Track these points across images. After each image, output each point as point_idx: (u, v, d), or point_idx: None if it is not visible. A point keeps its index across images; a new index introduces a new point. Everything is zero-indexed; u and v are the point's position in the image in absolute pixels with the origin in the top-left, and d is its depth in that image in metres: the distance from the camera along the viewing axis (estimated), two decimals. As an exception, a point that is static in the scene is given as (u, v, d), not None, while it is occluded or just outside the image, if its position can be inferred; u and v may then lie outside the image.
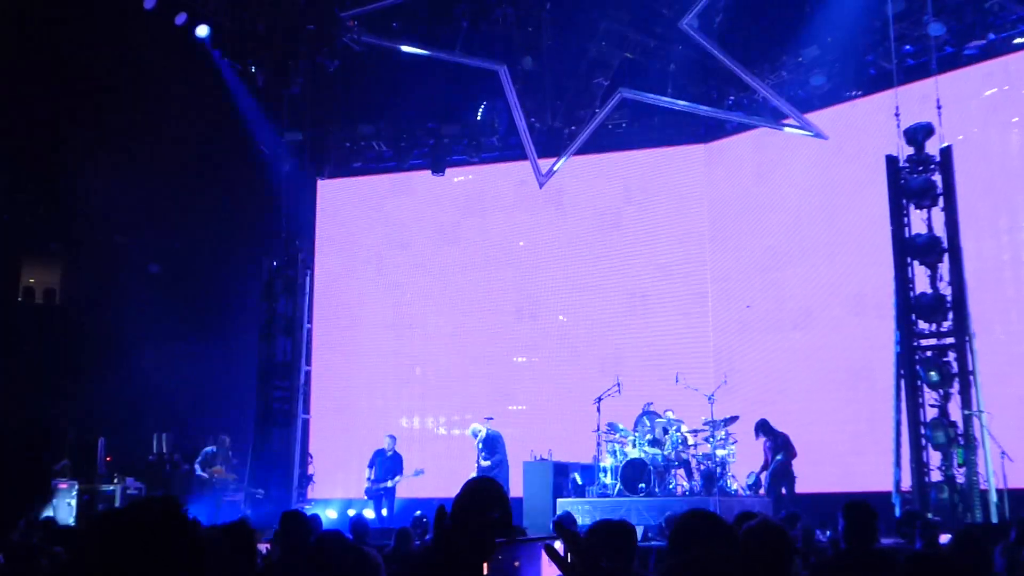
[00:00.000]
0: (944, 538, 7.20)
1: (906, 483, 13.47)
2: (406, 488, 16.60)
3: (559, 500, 14.73)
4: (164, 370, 19.36)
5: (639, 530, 11.88)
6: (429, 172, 20.21)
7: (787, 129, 17.74)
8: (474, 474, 15.18)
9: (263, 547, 8.90)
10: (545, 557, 3.04)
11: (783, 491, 14.55)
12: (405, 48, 17.77)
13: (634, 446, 14.91)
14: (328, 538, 6.05)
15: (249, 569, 4.87)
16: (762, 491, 14.80)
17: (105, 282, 20.67)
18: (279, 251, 19.39)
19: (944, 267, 13.64)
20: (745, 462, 15.14)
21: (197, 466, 16.82)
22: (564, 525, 2.73)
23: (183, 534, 2.01)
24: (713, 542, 3.37)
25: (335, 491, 18.78)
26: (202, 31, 17.05)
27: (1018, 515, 10.24)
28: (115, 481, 16.62)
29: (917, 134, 13.99)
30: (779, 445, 14.78)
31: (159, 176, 18.88)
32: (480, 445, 15.81)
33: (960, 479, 12.98)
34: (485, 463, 15.50)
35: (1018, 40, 15.68)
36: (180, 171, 18.92)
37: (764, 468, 14.90)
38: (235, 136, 19.14)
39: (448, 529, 3.42)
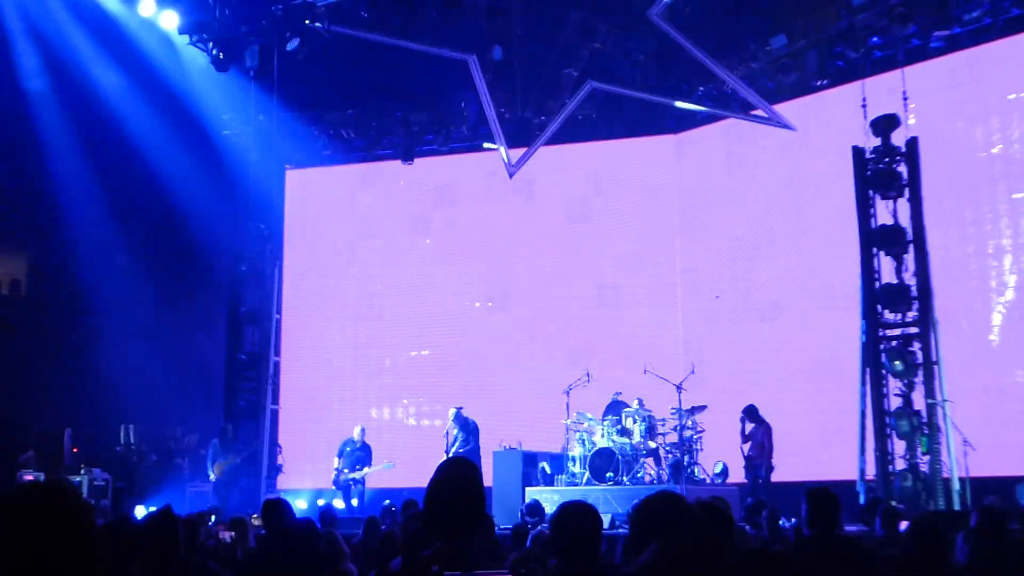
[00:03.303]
0: (904, 524, 7.29)
1: (871, 471, 13.60)
2: (375, 478, 16.59)
3: (528, 489, 14.77)
4: (131, 360, 19.24)
5: (606, 518, 11.93)
6: (399, 162, 20.17)
7: (755, 120, 17.80)
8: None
9: (227, 535, 8.89)
10: None
11: (759, 480, 14.67)
12: (374, 36, 17.67)
13: (603, 435, 14.96)
14: (300, 526, 6.09)
15: (173, 556, 4.87)
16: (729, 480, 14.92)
17: (72, 273, 20.51)
18: (247, 241, 19.26)
19: (909, 257, 13.76)
20: (713, 451, 15.24)
21: (208, 466, 16.69)
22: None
23: (61, 521, 1.96)
24: (678, 526, 3.39)
25: (304, 481, 18.75)
26: (169, 20, 16.92)
27: (979, 502, 10.38)
28: (82, 472, 16.48)
29: (883, 125, 14.10)
30: (763, 433, 14.87)
31: (124, 166, 18.73)
32: (456, 430, 15.80)
33: (924, 467, 13.13)
34: (461, 450, 15.51)
35: (983, 33, 15.82)
36: (146, 161, 18.77)
37: (749, 445, 14.91)
38: (201, 124, 19.01)
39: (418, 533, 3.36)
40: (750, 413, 15.03)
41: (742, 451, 15.01)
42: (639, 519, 3.66)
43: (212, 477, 16.39)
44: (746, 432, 15.02)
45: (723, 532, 3.76)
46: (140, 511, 15.26)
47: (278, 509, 7.16)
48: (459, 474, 3.43)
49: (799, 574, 1.56)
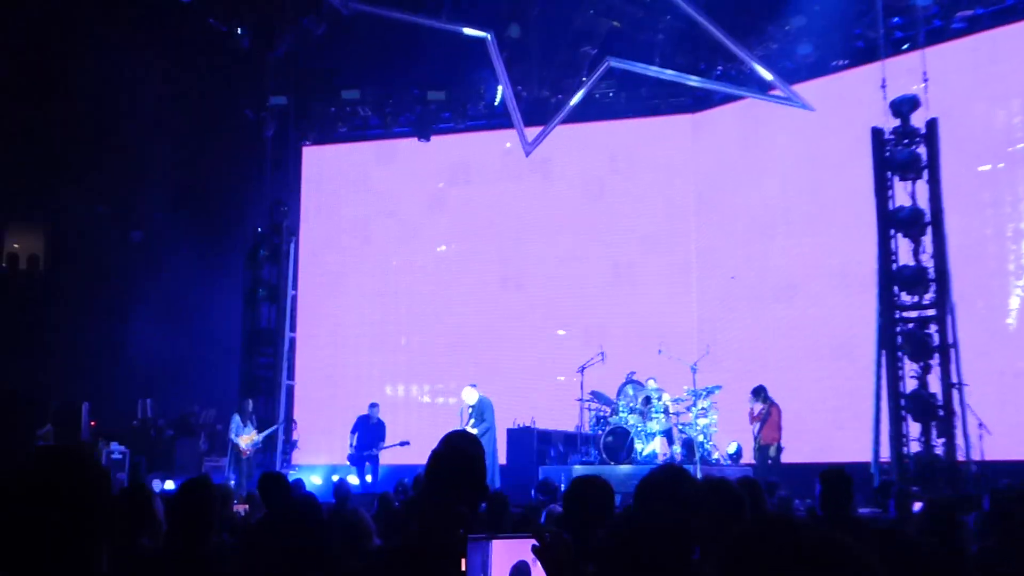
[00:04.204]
0: (918, 506, 7.30)
1: (885, 454, 13.58)
2: (389, 455, 16.67)
3: (542, 467, 14.81)
4: (149, 335, 19.34)
5: (619, 498, 11.94)
6: (415, 139, 20.17)
7: (774, 100, 17.69)
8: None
9: (241, 508, 8.97)
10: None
11: (768, 461, 14.68)
12: (392, 14, 17.64)
13: (617, 414, 14.98)
14: (306, 501, 6.11)
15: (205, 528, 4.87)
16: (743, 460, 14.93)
17: (89, 248, 20.61)
18: (263, 217, 19.33)
19: (927, 240, 13.68)
20: (727, 431, 15.23)
21: (232, 437, 16.73)
22: (542, 531, 2.71)
23: (76, 484, 1.98)
24: (673, 501, 3.40)
25: (319, 457, 18.84)
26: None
27: (994, 486, 10.36)
28: (99, 446, 16.62)
29: (903, 106, 13.99)
30: (772, 413, 14.88)
31: (143, 142, 18.77)
32: (470, 410, 15.84)
33: (939, 450, 13.10)
34: (473, 430, 15.54)
35: (1006, 14, 15.69)
36: (163, 136, 18.81)
37: (758, 425, 14.94)
38: (219, 101, 19.03)
39: (422, 505, 3.39)
40: (759, 393, 15.03)
41: (754, 431, 15.02)
42: (641, 490, 3.68)
43: (243, 446, 16.46)
44: (755, 413, 15.02)
45: (729, 511, 3.75)
46: (157, 485, 15.40)
47: (276, 483, 7.12)
48: (458, 449, 3.46)
49: (817, 541, 1.57)
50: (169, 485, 15.30)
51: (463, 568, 2.91)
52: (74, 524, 1.95)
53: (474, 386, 16.00)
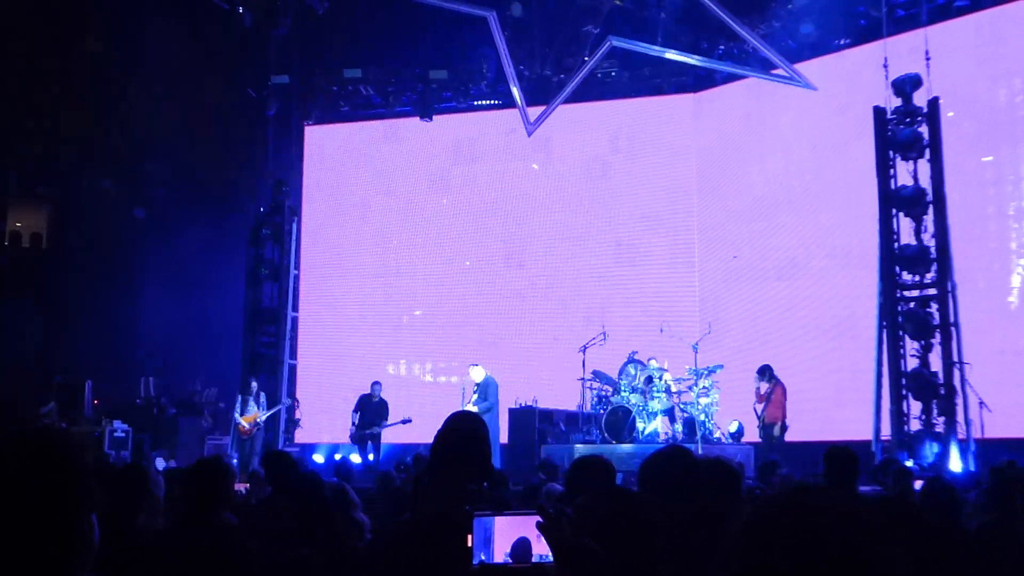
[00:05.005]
0: (918, 484, 7.34)
1: (886, 432, 13.62)
2: (391, 433, 16.73)
3: (543, 446, 14.86)
4: (151, 314, 19.39)
5: (619, 476, 11.99)
6: (417, 119, 20.14)
7: (776, 80, 17.65)
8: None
9: (241, 487, 9.02)
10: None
11: (773, 440, 14.70)
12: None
13: (618, 394, 15.02)
14: (309, 477, 6.16)
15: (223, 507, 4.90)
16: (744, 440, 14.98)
17: (92, 227, 20.64)
18: (265, 196, 19.34)
19: (929, 219, 13.68)
20: (728, 410, 15.27)
21: (236, 416, 16.76)
22: (546, 507, 2.72)
23: (42, 463, 1.96)
24: (677, 481, 3.42)
25: (322, 436, 18.91)
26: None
27: (994, 464, 10.40)
28: (102, 424, 16.69)
29: (905, 85, 13.96)
30: (777, 393, 14.90)
31: (145, 120, 18.77)
32: (475, 388, 15.88)
33: (939, 428, 13.14)
34: (474, 408, 15.58)
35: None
36: (165, 115, 18.80)
37: (763, 404, 14.96)
38: (221, 79, 19.00)
39: (425, 484, 3.41)
40: (764, 373, 15.06)
41: (755, 411, 15.05)
42: (646, 473, 3.70)
43: (245, 426, 16.51)
44: (760, 392, 15.05)
45: (728, 490, 3.78)
46: (160, 463, 15.47)
47: (281, 462, 7.14)
48: (464, 428, 3.48)
49: (833, 522, 1.60)
50: (172, 463, 15.38)
51: (469, 544, 2.93)
52: (47, 504, 1.93)
53: (478, 365, 16.04)
